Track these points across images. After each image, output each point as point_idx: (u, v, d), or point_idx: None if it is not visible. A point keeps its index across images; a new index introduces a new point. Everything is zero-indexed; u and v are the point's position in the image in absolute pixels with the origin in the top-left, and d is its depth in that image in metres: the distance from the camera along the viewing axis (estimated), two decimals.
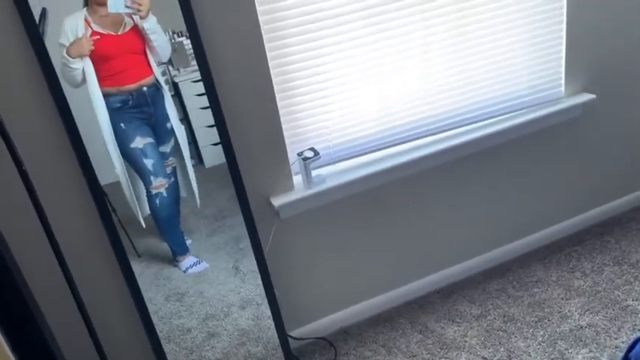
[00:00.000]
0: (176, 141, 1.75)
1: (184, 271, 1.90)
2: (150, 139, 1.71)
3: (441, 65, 1.96)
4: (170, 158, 1.77)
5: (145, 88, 1.66)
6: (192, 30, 1.58)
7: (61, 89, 1.50)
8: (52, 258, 1.41)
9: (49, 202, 1.46)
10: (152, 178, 1.74)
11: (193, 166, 1.81)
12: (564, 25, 2.08)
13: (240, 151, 1.75)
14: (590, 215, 2.52)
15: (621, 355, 1.21)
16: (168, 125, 1.73)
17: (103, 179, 1.65)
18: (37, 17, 1.44)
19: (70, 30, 1.53)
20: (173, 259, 1.89)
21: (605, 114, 2.31)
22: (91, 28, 1.56)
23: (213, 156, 1.83)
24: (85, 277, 1.68)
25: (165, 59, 1.69)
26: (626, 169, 2.51)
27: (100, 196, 1.63)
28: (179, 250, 1.88)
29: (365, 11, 1.79)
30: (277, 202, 1.86)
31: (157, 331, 1.86)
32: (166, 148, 1.76)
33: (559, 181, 2.38)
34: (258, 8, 1.66)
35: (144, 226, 1.76)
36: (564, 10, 2.06)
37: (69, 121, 1.53)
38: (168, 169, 1.78)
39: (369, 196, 2.04)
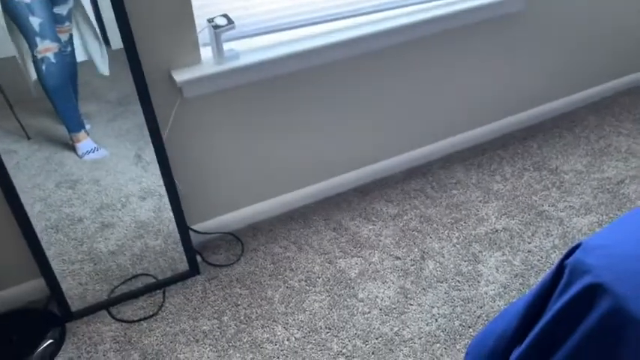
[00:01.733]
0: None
1: (80, 157, 1.66)
2: None
3: None
4: (66, 23, 1.49)
5: None
6: None
7: None
8: None
9: None
10: (38, 39, 1.46)
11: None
12: None
13: (135, 14, 1.44)
14: (515, 119, 2.44)
15: (557, 261, 1.13)
16: None
17: None
18: None
19: None
20: (69, 140, 1.64)
21: (546, 11, 2.16)
22: None
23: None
24: None
25: None
26: (556, 74, 2.41)
27: None
28: (73, 126, 1.63)
29: None
30: (180, 77, 1.58)
31: (44, 220, 1.66)
32: (62, 10, 1.47)
33: (486, 81, 2.24)
34: None
35: (33, 94, 1.51)
36: None
37: None
38: (63, 36, 1.50)
39: (288, 80, 1.80)
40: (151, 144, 1.67)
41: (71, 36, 1.52)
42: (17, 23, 1.44)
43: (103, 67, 1.56)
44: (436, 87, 2.14)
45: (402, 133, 2.18)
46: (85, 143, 1.66)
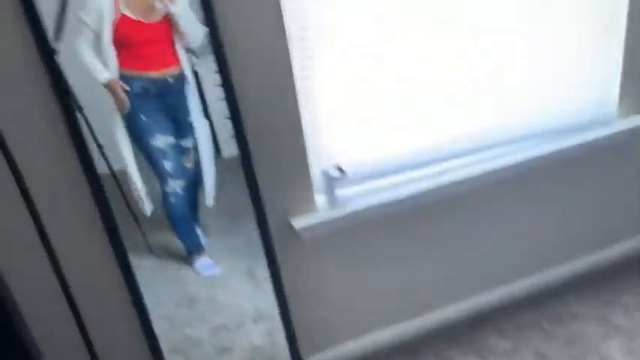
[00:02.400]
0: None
1: (197, 273, 1.81)
2: (171, 139, 1.63)
3: (482, 76, 1.79)
4: (192, 154, 1.68)
5: (170, 79, 1.57)
6: (212, 26, 1.42)
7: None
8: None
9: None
10: (170, 180, 1.66)
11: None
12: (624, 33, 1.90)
13: (258, 164, 1.61)
14: (631, 246, 2.33)
15: None
16: (189, 119, 1.63)
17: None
18: None
19: (94, 7, 1.43)
20: (187, 258, 1.80)
21: None
22: (120, 11, 1.46)
23: (232, 148, 1.67)
24: (81, 278, 1.55)
25: (194, 45, 1.56)
26: None
27: (97, 182, 1.48)
28: (192, 248, 1.79)
29: (400, 21, 1.64)
30: (298, 223, 1.72)
31: (165, 339, 1.74)
32: (188, 143, 1.66)
33: (599, 208, 2.20)
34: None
35: (148, 214, 1.66)
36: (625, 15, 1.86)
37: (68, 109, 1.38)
38: (189, 164, 1.68)
39: (398, 220, 1.89)
40: (262, 260, 1.73)
41: (196, 163, 1.69)
42: (152, 165, 1.63)
43: (210, 198, 1.71)
44: (544, 217, 2.13)
45: (512, 261, 2.16)
46: (201, 261, 1.80)
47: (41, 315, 1.41)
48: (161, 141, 1.61)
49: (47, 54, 1.30)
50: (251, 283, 1.85)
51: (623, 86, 1.98)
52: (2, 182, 1.35)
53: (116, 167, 1.59)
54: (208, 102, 1.70)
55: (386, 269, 1.98)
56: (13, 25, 1.29)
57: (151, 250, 1.72)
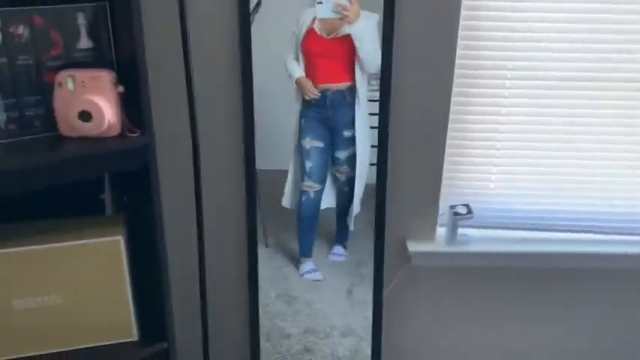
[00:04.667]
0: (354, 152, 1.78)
1: (301, 275, 1.91)
2: (319, 144, 1.76)
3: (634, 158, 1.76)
4: (344, 166, 1.79)
5: (329, 92, 1.69)
6: (387, 57, 1.58)
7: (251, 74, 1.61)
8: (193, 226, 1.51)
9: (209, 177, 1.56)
10: (306, 178, 1.80)
11: None
12: None
13: (392, 185, 1.72)
14: None
15: None
16: (346, 133, 1.74)
17: (266, 165, 1.76)
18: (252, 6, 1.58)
19: (302, 21, 1.64)
20: (297, 259, 1.91)
21: None
22: (313, 26, 1.65)
23: (368, 175, 1.79)
24: (215, 250, 1.78)
25: (370, 69, 1.66)
26: None
27: (252, 177, 1.71)
28: (304, 251, 1.90)
29: (570, 73, 1.67)
30: (413, 247, 1.79)
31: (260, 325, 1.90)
32: (341, 155, 1.78)
33: None
34: (459, 43, 1.62)
35: (287, 206, 1.83)
36: None
37: (248, 106, 1.62)
38: (341, 176, 1.80)
39: (510, 274, 1.88)
40: (366, 285, 1.84)
41: (349, 178, 1.79)
42: (298, 160, 1.80)
43: (350, 220, 1.82)
44: None
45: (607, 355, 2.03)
46: (307, 264, 1.90)
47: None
48: (308, 143, 1.75)
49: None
50: (349, 302, 1.92)
51: None
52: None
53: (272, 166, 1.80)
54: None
55: (485, 322, 1.96)
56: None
57: (267, 245, 1.86)
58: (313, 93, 1.69)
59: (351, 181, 1.80)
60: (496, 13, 1.61)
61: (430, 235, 1.82)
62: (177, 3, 1.36)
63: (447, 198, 1.79)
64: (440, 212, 1.80)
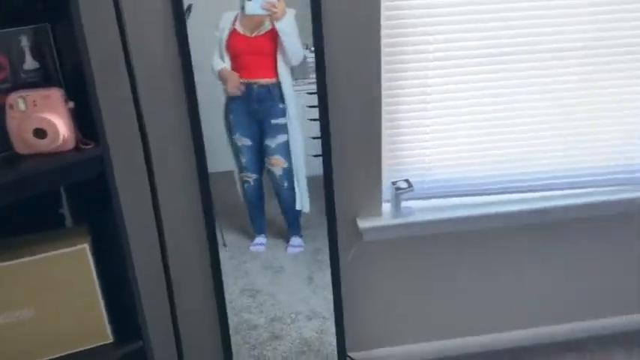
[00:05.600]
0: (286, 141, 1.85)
1: (249, 247, 1.98)
2: (247, 141, 1.84)
3: (556, 120, 1.94)
4: (275, 155, 1.86)
5: (255, 86, 1.77)
6: (318, 43, 1.69)
7: (192, 75, 1.69)
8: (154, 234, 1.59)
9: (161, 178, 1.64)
10: (243, 170, 1.89)
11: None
12: None
13: (337, 168, 1.84)
14: None
15: None
16: (274, 121, 1.82)
17: (217, 167, 1.84)
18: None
19: (222, 25, 1.72)
20: (252, 236, 1.99)
21: None
22: (234, 26, 1.73)
23: (311, 167, 1.89)
24: (178, 252, 1.86)
25: (294, 62, 1.76)
26: None
27: (205, 181, 1.80)
28: (256, 229, 1.98)
29: (487, 50, 1.82)
30: (363, 224, 1.93)
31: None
32: (271, 143, 1.85)
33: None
34: (383, 32, 1.74)
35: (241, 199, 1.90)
36: None
37: (193, 106, 1.70)
38: (276, 168, 1.86)
39: (454, 238, 2.05)
40: (325, 270, 1.96)
41: (286, 171, 1.87)
42: (234, 156, 1.87)
43: (303, 204, 1.90)
44: (601, 264, 2.19)
45: (561, 303, 2.24)
46: (257, 239, 1.97)
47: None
48: (239, 140, 1.84)
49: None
50: (310, 288, 2.03)
51: None
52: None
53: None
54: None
55: (437, 285, 2.12)
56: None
57: (225, 244, 1.94)
58: (237, 86, 1.76)
59: (288, 175, 1.88)
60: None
61: (377, 211, 1.96)
62: (115, 14, 1.41)
63: (389, 175, 1.93)
64: (383, 190, 1.94)
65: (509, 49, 1.83)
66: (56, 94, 1.20)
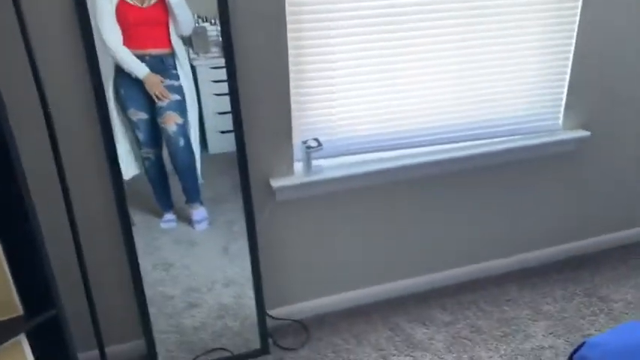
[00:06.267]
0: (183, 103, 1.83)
1: (160, 225, 1.98)
2: (143, 115, 1.82)
3: (448, 78, 2.08)
4: (168, 111, 1.82)
5: (147, 57, 1.76)
6: (223, 15, 1.69)
7: (94, 44, 1.63)
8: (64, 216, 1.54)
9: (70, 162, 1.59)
10: (142, 146, 1.86)
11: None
12: (570, 59, 2.21)
13: (248, 133, 1.86)
14: (571, 247, 2.63)
15: (568, 355, 1.37)
16: (167, 83, 1.79)
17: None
18: None
19: None
20: (161, 213, 1.98)
21: (598, 152, 2.44)
22: None
23: (219, 143, 1.92)
24: (91, 234, 1.85)
25: (186, 32, 1.77)
26: (612, 209, 2.62)
27: (114, 158, 1.76)
28: (163, 207, 1.97)
29: (382, 11, 1.91)
30: (276, 183, 1.97)
31: None
32: (163, 104, 1.82)
33: (546, 209, 2.49)
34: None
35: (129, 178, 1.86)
36: (572, 47, 2.19)
37: (98, 86, 1.65)
38: (170, 126, 1.83)
39: (362, 193, 2.15)
40: (240, 240, 1.99)
41: (180, 128, 1.84)
42: (129, 129, 1.83)
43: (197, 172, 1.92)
44: (498, 211, 2.41)
45: (461, 247, 2.43)
46: (166, 216, 1.98)
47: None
48: (134, 115, 1.81)
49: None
50: (226, 258, 2.05)
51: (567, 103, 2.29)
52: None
53: None
54: (202, 96, 1.89)
55: (349, 239, 2.23)
56: None
57: (134, 224, 1.91)
58: (160, 90, 1.76)
59: (183, 131, 1.85)
60: None
61: (289, 170, 2.01)
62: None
63: (299, 135, 1.99)
64: (295, 149, 1.99)
65: (405, 9, 1.93)
66: None
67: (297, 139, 1.98)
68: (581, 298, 2.36)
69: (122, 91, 1.76)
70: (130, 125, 1.82)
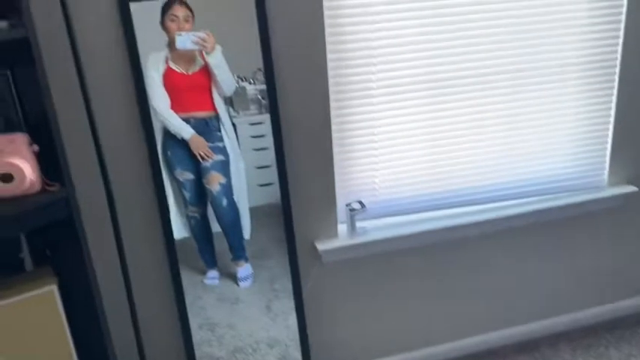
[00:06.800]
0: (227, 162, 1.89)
1: (203, 281, 2.00)
2: (189, 175, 1.88)
3: (492, 138, 2.10)
4: (212, 172, 1.87)
5: (192, 120, 1.82)
6: (269, 73, 1.77)
7: (149, 111, 1.73)
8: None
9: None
10: (189, 205, 1.91)
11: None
12: (612, 115, 2.20)
13: (292, 193, 1.91)
14: (623, 305, 2.53)
15: None
16: (210, 145, 1.85)
17: None
18: None
19: (152, 64, 1.74)
20: (205, 273, 2.00)
21: None
22: (168, 65, 1.77)
23: (258, 196, 1.95)
24: (143, 290, 1.88)
25: (228, 93, 1.84)
26: None
27: (166, 219, 1.83)
28: (207, 264, 2.00)
29: (426, 76, 1.97)
30: (321, 247, 2.00)
31: None
32: (207, 164, 1.87)
33: (594, 267, 2.42)
34: (329, 62, 1.85)
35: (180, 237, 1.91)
36: (614, 98, 2.18)
37: (154, 157, 1.74)
38: (214, 187, 1.88)
39: (408, 254, 2.15)
40: (281, 298, 2.00)
41: (224, 187, 1.88)
42: (176, 190, 1.89)
43: (245, 232, 1.96)
44: (545, 270, 2.36)
45: (512, 307, 2.38)
46: (209, 273, 1.99)
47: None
48: (180, 175, 1.87)
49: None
50: (269, 317, 2.06)
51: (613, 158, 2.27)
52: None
53: None
54: (242, 151, 1.94)
55: (397, 299, 2.21)
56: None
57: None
58: (205, 151, 1.83)
59: (226, 191, 1.88)
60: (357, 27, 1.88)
61: (333, 232, 2.04)
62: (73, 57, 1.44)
63: (342, 198, 2.02)
64: (338, 212, 2.02)
65: (449, 74, 1.98)
66: (21, 139, 1.22)
67: (340, 203, 2.01)
68: (636, 358, 2.26)
69: (169, 153, 1.84)
70: (177, 185, 1.88)
